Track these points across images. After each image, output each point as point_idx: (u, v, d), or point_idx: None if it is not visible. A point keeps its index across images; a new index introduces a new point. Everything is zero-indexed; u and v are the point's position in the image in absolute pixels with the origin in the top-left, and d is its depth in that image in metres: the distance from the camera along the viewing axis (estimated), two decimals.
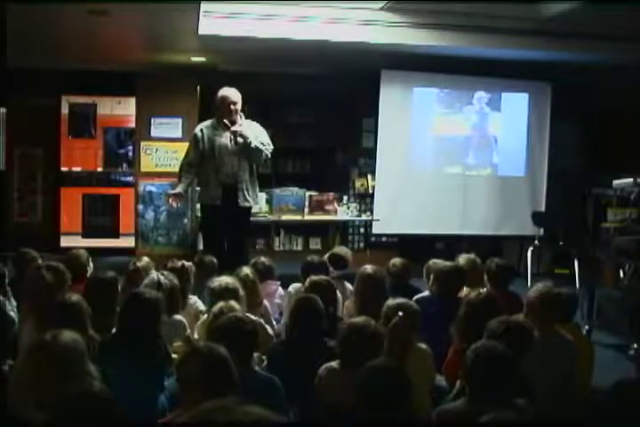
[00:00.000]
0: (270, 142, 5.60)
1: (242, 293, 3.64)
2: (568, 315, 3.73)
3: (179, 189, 5.60)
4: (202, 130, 5.54)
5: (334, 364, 2.92)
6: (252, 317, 3.43)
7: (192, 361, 2.38)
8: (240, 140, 5.41)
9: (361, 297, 3.89)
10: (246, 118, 5.61)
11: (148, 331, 3.01)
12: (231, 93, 5.44)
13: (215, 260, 4.67)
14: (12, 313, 3.60)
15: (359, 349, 2.83)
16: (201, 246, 7.76)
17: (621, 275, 6.00)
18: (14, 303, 3.74)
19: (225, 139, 5.45)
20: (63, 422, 1.88)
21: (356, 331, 2.89)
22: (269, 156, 5.57)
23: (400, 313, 3.07)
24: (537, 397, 2.72)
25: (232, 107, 5.40)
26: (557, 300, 3.49)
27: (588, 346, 3.80)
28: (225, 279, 3.72)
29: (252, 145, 5.39)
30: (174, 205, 5.71)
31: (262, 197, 6.58)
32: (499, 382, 2.42)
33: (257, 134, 5.51)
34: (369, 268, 4.02)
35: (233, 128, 5.42)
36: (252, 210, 5.83)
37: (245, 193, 5.46)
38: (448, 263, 4.30)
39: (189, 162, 5.57)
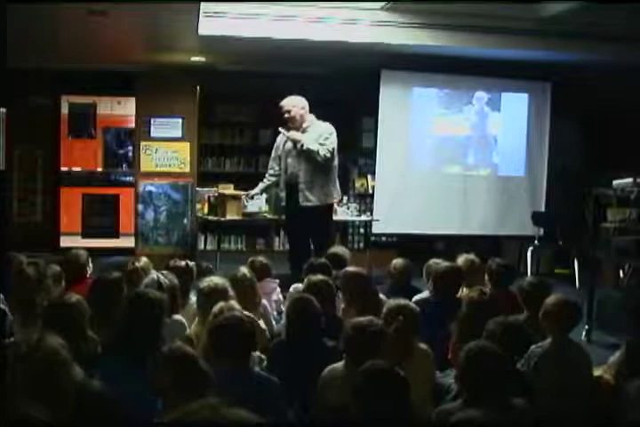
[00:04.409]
0: (330, 141, 5.75)
1: (231, 293, 3.61)
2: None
3: (252, 192, 6.27)
4: (279, 137, 5.94)
5: (338, 365, 2.90)
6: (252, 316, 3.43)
7: (163, 366, 2.38)
8: (297, 144, 5.71)
9: (349, 296, 3.89)
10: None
11: (151, 331, 3.00)
12: (284, 102, 5.79)
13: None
14: (1, 305, 3.57)
15: (364, 348, 2.81)
16: (201, 246, 7.99)
17: (621, 275, 6.00)
18: (1, 297, 3.72)
19: (290, 143, 5.79)
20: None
21: (360, 330, 2.87)
22: (325, 154, 5.68)
23: (400, 317, 3.07)
24: (550, 400, 2.70)
25: (286, 115, 5.74)
26: (575, 309, 3.42)
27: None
28: (215, 280, 3.69)
29: (304, 148, 5.64)
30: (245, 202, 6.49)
31: (262, 197, 6.57)
32: (492, 382, 2.42)
33: (320, 134, 5.74)
34: (350, 268, 4.26)
35: (286, 134, 5.76)
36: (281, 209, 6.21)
37: (306, 193, 5.71)
38: (446, 263, 4.31)
39: (269, 169, 6.09)
